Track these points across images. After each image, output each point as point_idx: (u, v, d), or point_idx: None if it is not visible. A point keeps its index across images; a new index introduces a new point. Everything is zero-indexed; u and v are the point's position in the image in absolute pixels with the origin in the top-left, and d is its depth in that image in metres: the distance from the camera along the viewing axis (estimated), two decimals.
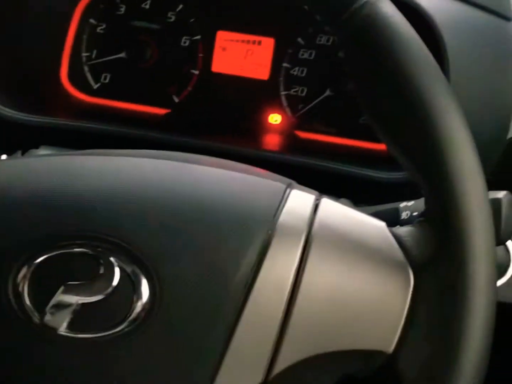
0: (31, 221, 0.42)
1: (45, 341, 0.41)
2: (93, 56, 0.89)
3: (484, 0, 0.75)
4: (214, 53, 0.87)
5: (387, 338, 0.42)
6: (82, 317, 0.40)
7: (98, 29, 0.88)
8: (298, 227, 0.43)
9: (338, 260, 0.42)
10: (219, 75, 0.87)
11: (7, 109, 0.79)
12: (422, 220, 0.44)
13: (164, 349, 0.41)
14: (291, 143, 0.86)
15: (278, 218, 0.43)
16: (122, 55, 0.88)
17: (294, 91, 0.86)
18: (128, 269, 0.41)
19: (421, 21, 0.71)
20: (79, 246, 0.41)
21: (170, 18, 0.87)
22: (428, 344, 0.41)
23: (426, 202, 0.44)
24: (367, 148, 0.84)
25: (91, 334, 0.41)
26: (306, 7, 0.47)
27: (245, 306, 0.41)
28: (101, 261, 0.41)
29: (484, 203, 0.41)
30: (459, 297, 0.40)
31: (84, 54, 0.89)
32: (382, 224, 0.45)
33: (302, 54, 0.85)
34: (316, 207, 0.45)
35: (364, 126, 0.83)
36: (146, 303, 0.40)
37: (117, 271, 0.41)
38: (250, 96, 0.87)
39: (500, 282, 0.72)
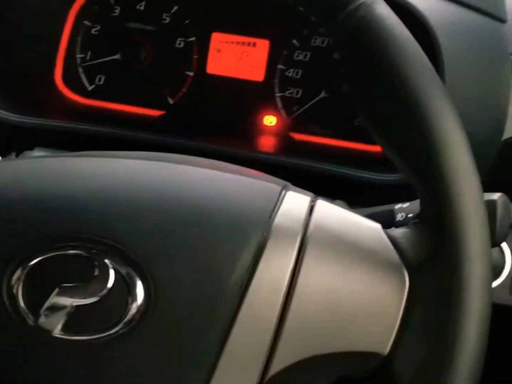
0: (25, 223, 0.42)
1: (40, 344, 0.41)
2: (88, 57, 0.89)
3: (479, 2, 0.75)
4: (209, 55, 0.87)
5: (382, 340, 0.42)
6: (76, 319, 0.40)
7: (93, 31, 0.88)
8: (294, 229, 0.43)
9: (334, 261, 0.42)
10: (214, 77, 0.87)
11: (1, 111, 0.78)
12: (417, 221, 0.44)
13: (158, 351, 0.41)
14: (286, 145, 0.86)
15: (273, 220, 0.43)
16: (117, 56, 0.88)
17: (289, 93, 0.86)
18: (123, 271, 0.41)
19: (416, 23, 0.71)
20: (74, 248, 0.41)
21: (165, 19, 0.87)
22: (423, 346, 0.41)
23: (421, 204, 0.44)
24: (362, 150, 0.84)
25: (86, 336, 0.40)
26: (301, 8, 0.47)
27: (240, 308, 0.41)
28: (96, 263, 0.41)
29: (479, 204, 0.41)
30: (454, 299, 0.40)
31: (78, 56, 0.89)
32: (377, 226, 0.45)
33: (297, 56, 0.85)
34: (311, 209, 0.45)
35: (359, 127, 0.83)
36: (141, 305, 0.40)
37: (111, 273, 0.41)
38: (245, 97, 0.87)
39: (495, 284, 0.72)
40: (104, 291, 0.40)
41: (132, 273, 0.41)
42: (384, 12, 0.43)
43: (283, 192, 0.45)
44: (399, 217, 0.57)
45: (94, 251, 0.41)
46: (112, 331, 0.40)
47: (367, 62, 0.43)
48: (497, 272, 0.72)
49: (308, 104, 0.85)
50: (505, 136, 0.74)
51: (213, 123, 0.88)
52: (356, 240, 0.44)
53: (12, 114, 0.79)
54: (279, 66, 0.86)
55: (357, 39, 0.43)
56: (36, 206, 0.42)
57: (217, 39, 0.86)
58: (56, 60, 0.88)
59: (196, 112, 0.88)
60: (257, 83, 0.86)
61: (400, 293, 0.42)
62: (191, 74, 0.87)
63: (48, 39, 0.86)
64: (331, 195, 0.62)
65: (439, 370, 0.40)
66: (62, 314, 0.40)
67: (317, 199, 0.46)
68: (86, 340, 0.40)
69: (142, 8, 0.87)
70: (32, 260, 0.41)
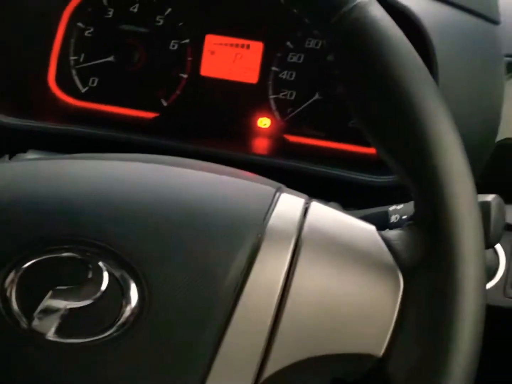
0: (19, 226, 0.42)
1: (33, 347, 0.41)
2: (81, 59, 0.89)
3: (473, 4, 0.75)
4: (202, 57, 0.86)
5: (376, 342, 0.42)
6: (70, 322, 0.40)
7: (86, 33, 0.88)
8: (288, 230, 0.43)
9: (328, 263, 0.42)
10: (208, 79, 0.87)
11: None
12: (412, 223, 0.44)
13: (153, 354, 0.40)
14: (280, 147, 0.86)
15: (267, 221, 0.43)
16: (110, 58, 0.87)
17: (283, 95, 0.86)
18: (117, 274, 0.41)
19: (410, 24, 0.71)
20: (67, 250, 0.41)
21: (159, 21, 0.87)
22: (417, 347, 0.41)
23: (415, 205, 0.44)
24: (356, 152, 0.84)
25: (80, 339, 0.40)
26: (295, 10, 0.47)
27: (234, 310, 0.41)
28: (90, 266, 0.41)
29: (473, 206, 0.41)
30: (449, 300, 0.40)
31: (72, 58, 0.88)
32: (371, 228, 0.45)
33: (291, 58, 0.85)
34: (305, 211, 0.45)
35: (353, 129, 0.83)
36: (135, 307, 0.40)
37: (105, 275, 0.41)
38: (239, 100, 0.87)
39: (489, 285, 0.72)
40: (98, 294, 0.40)
41: (126, 275, 0.40)
42: (378, 14, 0.43)
43: (277, 194, 0.45)
44: (393, 218, 0.57)
45: (87, 253, 0.41)
46: (106, 334, 0.40)
47: (361, 64, 0.43)
48: (491, 274, 0.72)
49: (302, 106, 0.85)
50: (499, 137, 0.74)
51: (207, 125, 0.88)
52: (351, 242, 0.44)
53: (5, 117, 0.79)
54: (273, 68, 0.86)
55: (351, 41, 0.43)
56: (29, 208, 0.42)
57: (211, 41, 0.86)
58: (49, 62, 0.87)
59: (190, 114, 0.88)
60: (251, 85, 0.86)
61: (395, 294, 0.42)
62: (185, 76, 0.87)
63: (41, 41, 0.86)
64: (325, 197, 0.62)
65: (434, 371, 0.40)
66: (56, 317, 0.40)
67: (311, 201, 0.46)
68: (80, 343, 0.40)
69: (135, 10, 0.87)
70: (25, 262, 0.41)
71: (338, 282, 0.42)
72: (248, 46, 0.86)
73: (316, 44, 0.85)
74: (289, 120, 0.86)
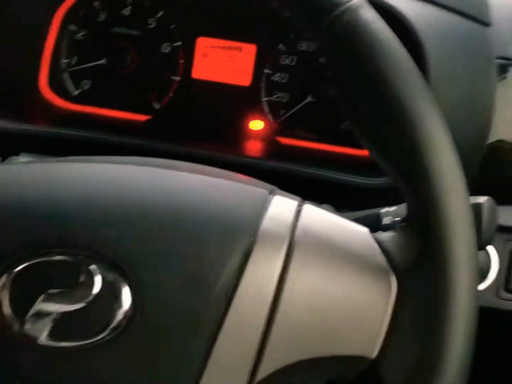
0: (10, 229, 0.42)
1: (26, 350, 0.40)
2: (73, 62, 0.88)
3: (464, 6, 0.76)
4: (194, 60, 0.86)
5: (369, 344, 0.42)
6: (62, 325, 0.40)
7: (78, 36, 0.88)
8: (281, 233, 0.43)
9: (321, 266, 0.42)
10: (200, 82, 0.87)
11: None
12: (404, 225, 0.44)
13: (145, 357, 0.40)
14: (273, 149, 0.85)
15: (260, 224, 0.43)
16: (102, 61, 0.87)
17: (275, 97, 0.86)
18: (109, 277, 0.40)
19: (402, 27, 0.72)
20: (59, 254, 0.41)
21: (151, 24, 0.87)
22: (410, 349, 0.41)
23: (407, 207, 0.44)
24: (349, 154, 0.84)
25: (72, 342, 0.40)
26: (287, 13, 0.47)
27: (227, 313, 0.40)
28: (82, 269, 0.41)
29: (465, 208, 0.41)
30: (441, 302, 0.40)
31: (64, 61, 0.88)
32: (365, 230, 0.45)
33: (284, 60, 0.85)
34: (298, 213, 0.44)
35: (346, 132, 0.84)
36: (127, 311, 0.40)
37: (97, 279, 0.40)
38: (231, 102, 0.87)
39: (481, 287, 0.72)
40: (90, 297, 0.40)
41: (118, 279, 0.40)
42: (370, 16, 0.43)
43: (270, 196, 0.45)
44: (386, 220, 0.57)
45: (80, 257, 0.41)
46: (99, 338, 0.40)
47: (353, 67, 0.43)
48: (483, 275, 0.72)
49: (295, 109, 0.85)
50: (491, 139, 0.74)
51: (199, 128, 0.87)
52: (344, 244, 0.44)
53: None
54: (266, 71, 0.86)
55: (342, 44, 0.43)
56: (21, 212, 0.42)
57: (203, 43, 0.86)
58: (41, 65, 0.87)
59: (182, 117, 0.88)
60: (243, 87, 0.86)
61: (387, 297, 0.42)
62: (177, 79, 0.87)
63: (33, 44, 0.86)
64: (318, 199, 0.62)
65: (426, 373, 0.40)
66: (48, 320, 0.40)
67: (304, 203, 0.46)
68: (72, 346, 0.40)
69: (127, 13, 0.87)
70: (17, 266, 0.40)
71: (331, 284, 0.42)
72: (240, 49, 0.86)
73: (309, 47, 0.85)
74: (281, 123, 0.86)
